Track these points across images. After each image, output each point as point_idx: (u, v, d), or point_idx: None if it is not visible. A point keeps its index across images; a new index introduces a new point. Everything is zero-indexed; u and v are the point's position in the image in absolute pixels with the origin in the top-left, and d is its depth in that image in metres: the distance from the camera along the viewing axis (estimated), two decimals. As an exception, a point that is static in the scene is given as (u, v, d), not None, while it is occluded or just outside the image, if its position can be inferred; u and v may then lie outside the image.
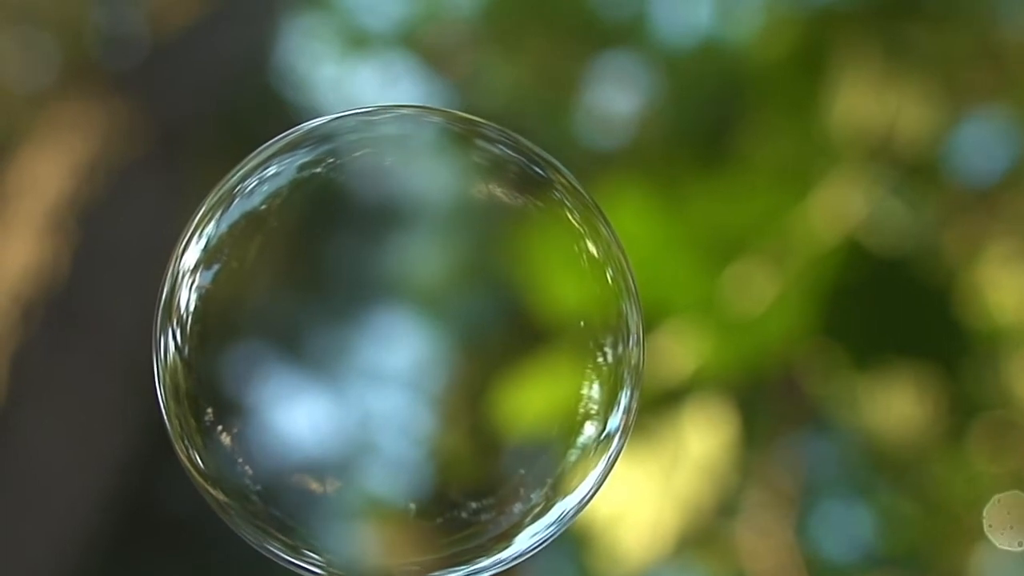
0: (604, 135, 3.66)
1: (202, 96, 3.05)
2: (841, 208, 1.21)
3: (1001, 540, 1.32)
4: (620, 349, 0.51)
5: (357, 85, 4.41)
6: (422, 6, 4.20)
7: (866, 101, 1.24)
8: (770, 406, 1.40)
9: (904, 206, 1.24)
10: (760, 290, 1.20)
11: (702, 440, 1.25)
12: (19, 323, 2.50)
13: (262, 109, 3.81)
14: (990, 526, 1.33)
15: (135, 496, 2.92)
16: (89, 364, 2.58)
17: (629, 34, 3.88)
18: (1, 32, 3.65)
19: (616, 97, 3.75)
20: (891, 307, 1.18)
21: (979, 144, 1.73)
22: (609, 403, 0.51)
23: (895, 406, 1.30)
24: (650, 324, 1.27)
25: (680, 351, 1.24)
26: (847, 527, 2.40)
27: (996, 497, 1.33)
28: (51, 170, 2.74)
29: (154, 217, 2.83)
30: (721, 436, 1.25)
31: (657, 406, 1.25)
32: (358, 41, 4.22)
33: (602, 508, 1.23)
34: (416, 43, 4.14)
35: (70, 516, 2.49)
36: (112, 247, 2.71)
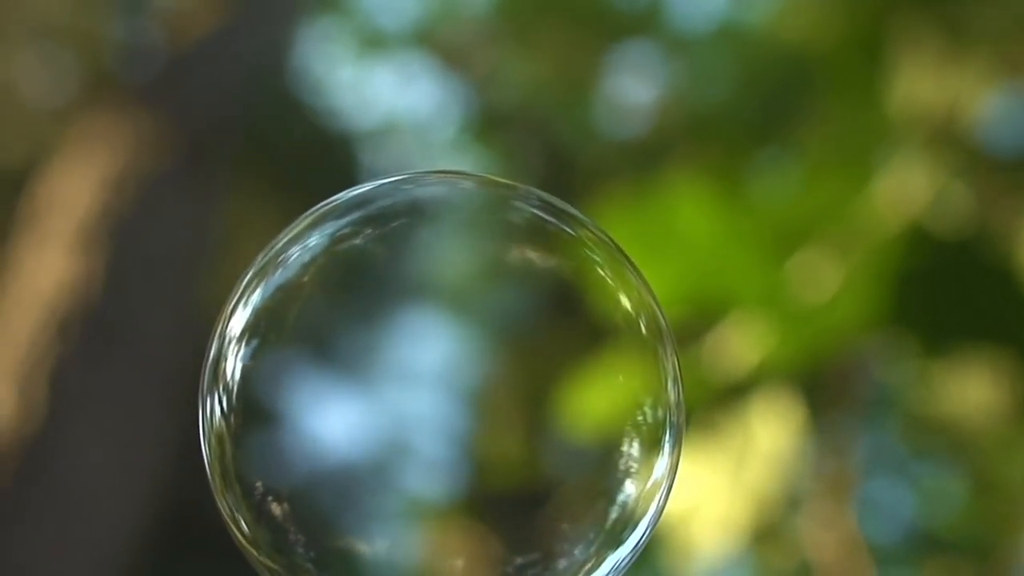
0: (631, 125, 3.64)
1: (223, 103, 3.05)
2: (904, 193, 1.20)
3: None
4: (658, 408, 0.51)
5: (375, 86, 4.41)
6: (437, 5, 4.19)
7: (925, 82, 1.22)
8: (833, 395, 1.39)
9: (967, 187, 1.23)
10: (825, 279, 1.19)
11: (770, 432, 1.24)
12: (56, 338, 2.50)
13: (282, 114, 3.81)
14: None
15: (176, 506, 2.93)
16: (127, 376, 2.58)
17: (646, 23, 3.87)
18: (22, 49, 3.66)
19: (636, 87, 3.74)
20: (959, 290, 1.17)
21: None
22: (652, 452, 0.51)
23: (969, 391, 1.29)
24: (713, 317, 1.26)
25: (745, 343, 1.23)
26: (908, 514, 2.39)
27: None
28: (79, 184, 2.74)
29: (184, 225, 2.84)
30: (789, 427, 1.24)
31: (723, 400, 1.24)
32: (375, 42, 4.21)
33: (672, 506, 1.22)
34: (433, 42, 4.14)
35: (112, 528, 2.49)
36: (144, 258, 2.72)
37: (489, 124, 4.08)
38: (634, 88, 3.76)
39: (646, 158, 3.17)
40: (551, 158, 3.83)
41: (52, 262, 2.62)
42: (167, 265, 2.77)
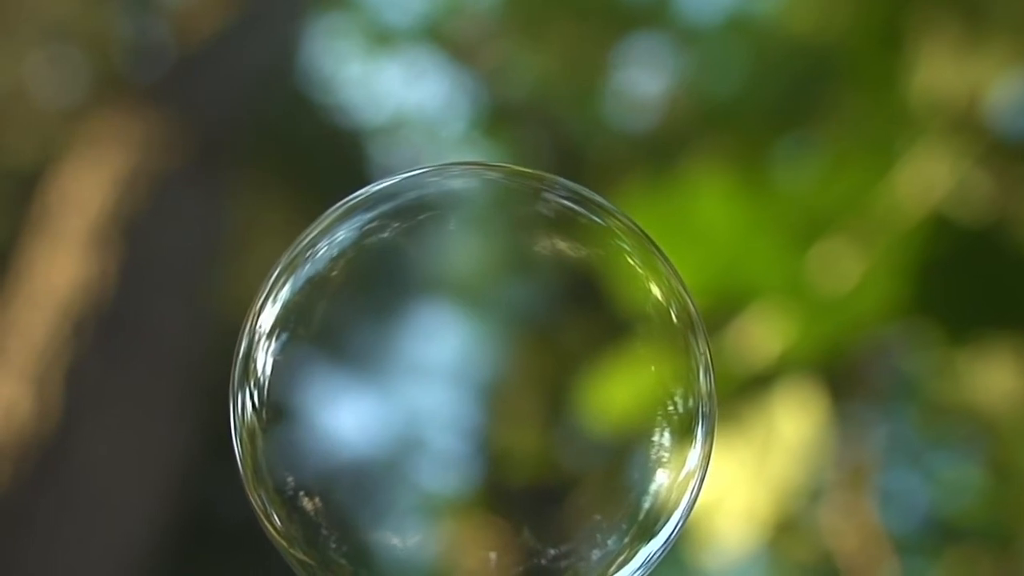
0: (642, 117, 3.64)
1: (233, 101, 3.05)
2: (925, 181, 1.19)
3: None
4: (689, 398, 0.50)
5: (384, 82, 4.41)
6: (445, 0, 4.18)
7: (945, 70, 1.22)
8: (854, 384, 1.39)
9: (988, 175, 1.22)
10: (847, 268, 1.19)
11: (793, 423, 1.24)
12: (71, 338, 2.50)
13: (292, 111, 3.81)
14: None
15: (193, 503, 2.93)
16: (141, 374, 2.59)
17: (655, 15, 3.86)
18: (32, 50, 3.66)
19: (646, 79, 3.73)
20: (981, 278, 1.17)
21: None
22: (684, 442, 0.50)
23: (992, 378, 1.28)
24: (736, 307, 1.25)
25: (767, 333, 1.23)
26: (927, 503, 2.38)
27: None
28: (91, 184, 2.74)
29: (196, 224, 2.84)
30: (812, 418, 1.24)
31: (746, 390, 1.23)
32: (383, 38, 4.21)
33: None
34: (441, 37, 4.13)
35: (128, 525, 2.50)
36: (157, 256, 2.72)
37: (499, 118, 4.07)
38: (644, 81, 3.76)
39: (657, 150, 3.16)
40: (561, 152, 3.82)
41: (65, 262, 2.63)
42: (180, 263, 2.78)
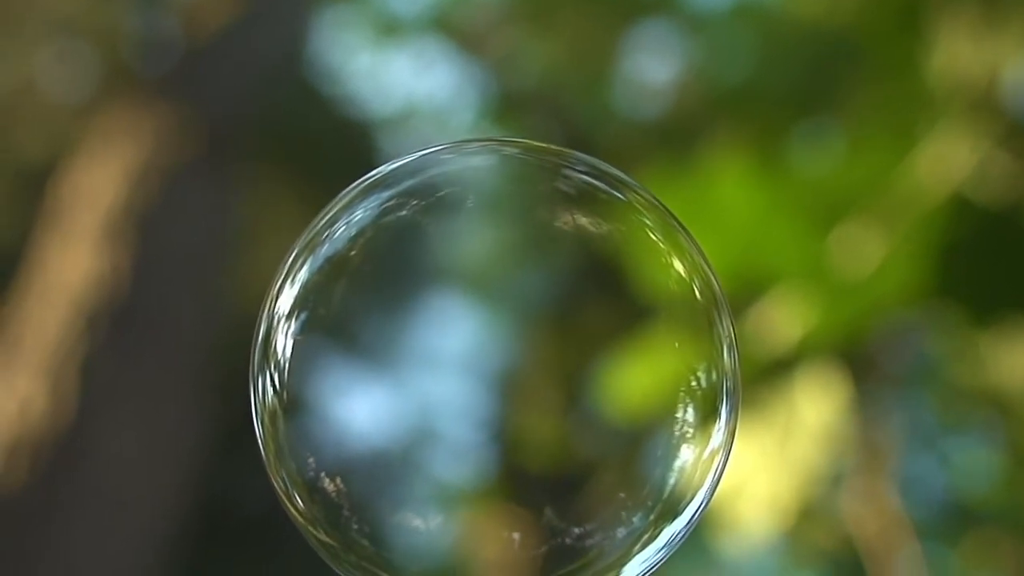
0: (651, 105, 3.62)
1: (242, 94, 3.05)
2: (946, 163, 1.19)
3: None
4: (713, 375, 0.50)
5: (392, 73, 4.41)
6: (452, -11, 4.17)
7: (964, 51, 1.21)
8: (874, 368, 1.38)
9: (1009, 156, 1.22)
10: (868, 251, 1.18)
11: (814, 408, 1.23)
12: (85, 333, 2.50)
13: (301, 103, 3.81)
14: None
15: (208, 496, 2.94)
16: (154, 368, 2.59)
17: (663, 1, 3.84)
18: (41, 46, 3.66)
19: (654, 66, 3.72)
20: (1003, 260, 1.16)
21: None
22: (708, 421, 0.50)
23: (1015, 360, 1.28)
24: (757, 292, 1.25)
25: (788, 318, 1.22)
26: (947, 488, 2.38)
27: None
28: (102, 179, 2.74)
29: (207, 216, 2.84)
30: (833, 402, 1.23)
31: (767, 375, 1.23)
32: (391, 29, 4.20)
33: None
34: (449, 27, 4.12)
35: (144, 518, 2.50)
36: (169, 250, 2.72)
37: (508, 107, 4.07)
38: (653, 67, 3.74)
39: (668, 137, 3.16)
40: (571, 140, 3.81)
41: (78, 256, 2.63)
42: (192, 256, 2.78)
